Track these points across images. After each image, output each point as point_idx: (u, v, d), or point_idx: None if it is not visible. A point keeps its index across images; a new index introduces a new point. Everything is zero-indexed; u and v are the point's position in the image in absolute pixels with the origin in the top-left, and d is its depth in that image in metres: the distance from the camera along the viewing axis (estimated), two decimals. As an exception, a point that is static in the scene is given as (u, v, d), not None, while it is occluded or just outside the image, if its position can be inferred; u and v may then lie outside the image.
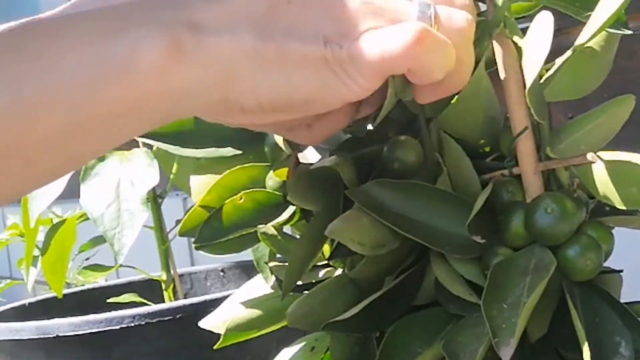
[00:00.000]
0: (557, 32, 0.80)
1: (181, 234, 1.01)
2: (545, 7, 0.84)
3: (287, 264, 0.91)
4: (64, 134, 0.67)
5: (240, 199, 0.94)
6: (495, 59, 0.85)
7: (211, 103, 0.72)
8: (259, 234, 0.95)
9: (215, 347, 1.01)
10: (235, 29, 0.70)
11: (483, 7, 0.86)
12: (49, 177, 0.73)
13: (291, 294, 0.92)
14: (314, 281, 0.93)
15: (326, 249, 0.90)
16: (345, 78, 0.72)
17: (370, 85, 0.73)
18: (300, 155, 0.92)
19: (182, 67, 0.68)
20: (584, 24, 0.81)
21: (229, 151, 0.96)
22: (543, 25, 0.79)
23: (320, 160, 0.89)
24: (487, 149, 0.90)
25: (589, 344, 0.74)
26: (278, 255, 0.98)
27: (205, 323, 1.02)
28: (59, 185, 1.58)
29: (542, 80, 0.83)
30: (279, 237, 0.95)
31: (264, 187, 0.95)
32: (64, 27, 0.69)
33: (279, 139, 0.91)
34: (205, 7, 0.70)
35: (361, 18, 0.72)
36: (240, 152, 0.96)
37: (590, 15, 0.81)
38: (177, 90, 0.69)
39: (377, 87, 0.74)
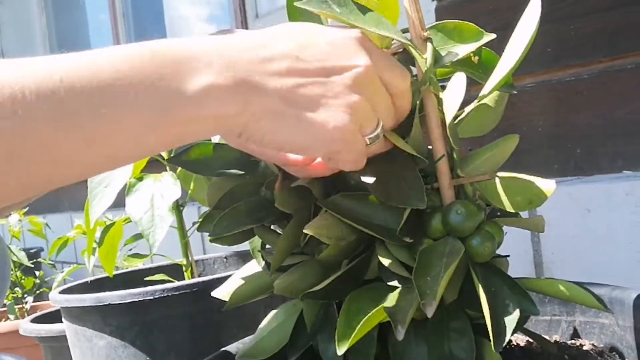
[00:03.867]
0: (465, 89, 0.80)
1: (199, 230, 0.99)
2: (457, 72, 0.84)
3: (274, 251, 0.90)
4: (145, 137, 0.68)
5: (241, 205, 0.93)
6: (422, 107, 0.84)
7: (233, 131, 0.73)
8: (255, 230, 0.94)
9: (222, 310, 0.99)
10: (270, 91, 0.71)
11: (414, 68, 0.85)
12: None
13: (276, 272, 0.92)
14: (292, 263, 0.92)
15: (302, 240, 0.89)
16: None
17: None
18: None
19: (228, 110, 0.70)
20: (483, 84, 0.82)
21: (233, 172, 0.95)
22: (458, 83, 0.80)
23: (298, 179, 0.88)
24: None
25: (488, 305, 0.75)
26: (267, 246, 0.96)
27: (216, 293, 1.00)
28: (110, 197, 1.57)
29: (456, 121, 0.83)
30: (268, 233, 0.94)
31: (258, 197, 0.94)
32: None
33: (270, 164, 0.91)
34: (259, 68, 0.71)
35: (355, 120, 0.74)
36: (241, 173, 0.94)
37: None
38: (218, 121, 0.71)
39: None
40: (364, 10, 0.79)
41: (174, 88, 0.67)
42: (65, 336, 1.72)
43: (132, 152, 0.70)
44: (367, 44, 0.76)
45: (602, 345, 1.00)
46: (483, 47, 0.86)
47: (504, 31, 0.79)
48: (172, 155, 1.34)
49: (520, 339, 1.05)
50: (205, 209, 1.01)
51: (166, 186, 1.60)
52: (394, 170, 0.83)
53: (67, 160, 0.65)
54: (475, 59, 0.86)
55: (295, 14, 0.89)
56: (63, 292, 1.72)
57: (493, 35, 0.80)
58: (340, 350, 0.79)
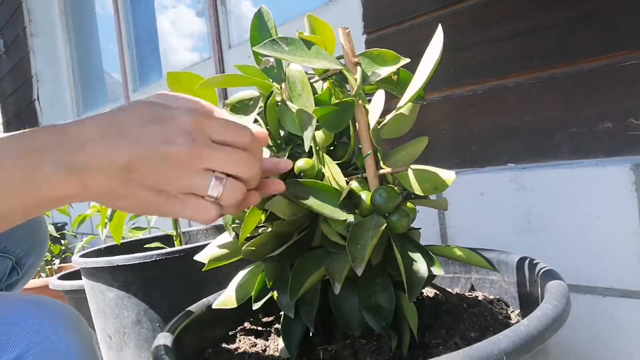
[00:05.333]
0: (387, 101, 0.79)
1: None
2: (380, 88, 0.83)
3: (241, 225, 0.88)
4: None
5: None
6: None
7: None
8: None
9: (202, 270, 0.98)
10: (108, 176, 0.64)
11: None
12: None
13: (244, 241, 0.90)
14: (256, 234, 0.90)
15: (263, 217, 0.88)
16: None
17: None
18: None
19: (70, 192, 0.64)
20: (400, 97, 0.81)
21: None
22: (379, 98, 0.79)
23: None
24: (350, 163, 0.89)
25: (404, 266, 0.74)
26: (237, 221, 0.95)
27: (198, 257, 0.98)
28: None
29: (379, 126, 0.82)
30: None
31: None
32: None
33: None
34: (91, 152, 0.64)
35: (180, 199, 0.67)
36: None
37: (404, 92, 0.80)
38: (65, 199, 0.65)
39: None
40: (308, 45, 0.78)
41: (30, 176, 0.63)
42: (84, 290, 1.71)
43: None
44: (198, 122, 0.66)
45: (492, 297, 1.00)
46: (401, 69, 0.85)
47: (417, 57, 0.78)
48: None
49: (430, 292, 1.05)
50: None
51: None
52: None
53: None
54: (395, 77, 0.86)
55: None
56: (82, 256, 1.71)
57: (408, 60, 0.80)
58: (292, 301, 0.79)
